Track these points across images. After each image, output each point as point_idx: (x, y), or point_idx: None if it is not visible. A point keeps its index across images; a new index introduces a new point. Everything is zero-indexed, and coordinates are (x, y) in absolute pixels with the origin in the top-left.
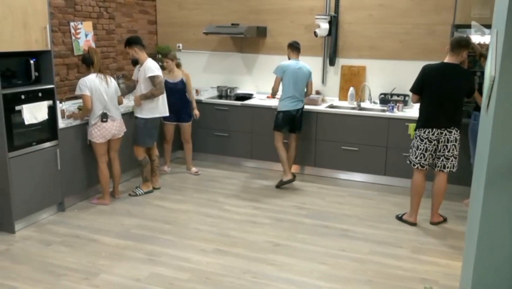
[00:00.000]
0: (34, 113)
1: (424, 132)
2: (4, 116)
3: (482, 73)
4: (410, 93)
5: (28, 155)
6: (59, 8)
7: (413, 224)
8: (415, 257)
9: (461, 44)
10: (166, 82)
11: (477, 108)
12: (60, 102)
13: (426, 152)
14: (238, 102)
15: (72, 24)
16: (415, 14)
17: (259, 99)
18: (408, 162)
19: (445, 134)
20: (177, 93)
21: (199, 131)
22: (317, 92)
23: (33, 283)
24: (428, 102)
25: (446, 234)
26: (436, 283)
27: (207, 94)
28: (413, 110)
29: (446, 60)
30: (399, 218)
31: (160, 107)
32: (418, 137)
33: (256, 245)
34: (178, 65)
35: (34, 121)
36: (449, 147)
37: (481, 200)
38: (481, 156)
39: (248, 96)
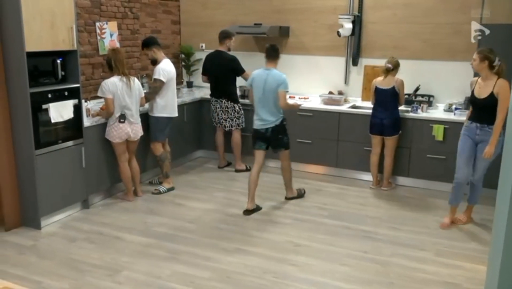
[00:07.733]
0: (60, 111)
1: (211, 102)
2: (31, 115)
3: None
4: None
5: (54, 153)
6: (85, 8)
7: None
8: (438, 260)
9: (224, 36)
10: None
11: None
12: (85, 101)
13: (214, 113)
14: None
15: (97, 24)
16: (440, 13)
17: None
18: (215, 124)
19: (218, 102)
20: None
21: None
22: (340, 93)
23: (58, 278)
24: (210, 80)
25: (470, 238)
26: (459, 287)
27: None
28: (438, 111)
29: (218, 48)
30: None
31: (169, 108)
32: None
33: (277, 245)
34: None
35: (60, 119)
36: (224, 111)
37: (508, 203)
38: (508, 158)
39: None
